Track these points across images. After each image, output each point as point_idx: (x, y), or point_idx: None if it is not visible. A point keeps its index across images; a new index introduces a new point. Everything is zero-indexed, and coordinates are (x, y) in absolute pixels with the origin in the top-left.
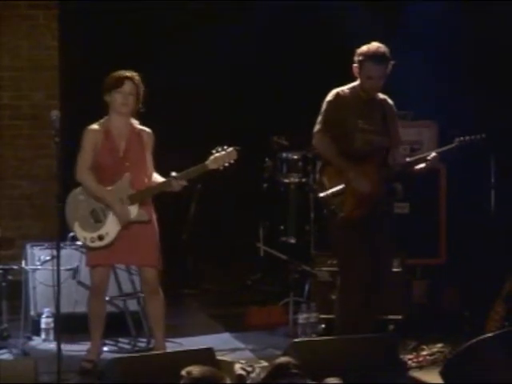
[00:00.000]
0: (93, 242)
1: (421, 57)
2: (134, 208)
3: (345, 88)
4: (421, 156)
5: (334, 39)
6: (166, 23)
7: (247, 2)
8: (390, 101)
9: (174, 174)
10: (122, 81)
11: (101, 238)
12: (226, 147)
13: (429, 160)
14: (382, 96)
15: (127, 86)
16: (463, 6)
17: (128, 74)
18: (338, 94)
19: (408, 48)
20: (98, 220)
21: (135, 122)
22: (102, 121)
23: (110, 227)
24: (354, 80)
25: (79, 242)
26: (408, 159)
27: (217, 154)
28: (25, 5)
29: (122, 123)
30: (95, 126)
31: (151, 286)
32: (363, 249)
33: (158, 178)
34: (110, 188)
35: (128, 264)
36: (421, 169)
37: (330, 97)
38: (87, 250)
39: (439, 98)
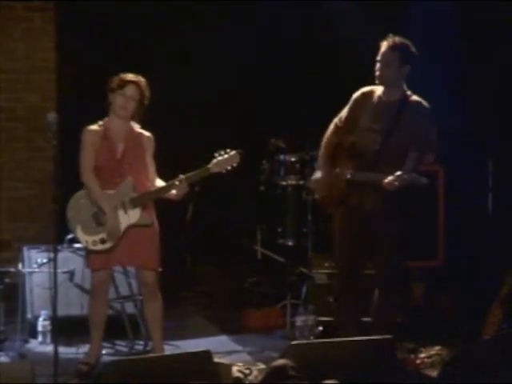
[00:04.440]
0: (95, 245)
1: (420, 58)
2: (136, 211)
3: (374, 87)
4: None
5: (333, 41)
6: (165, 24)
7: (247, 4)
8: (417, 104)
9: (182, 176)
10: (125, 83)
11: (103, 241)
12: (228, 150)
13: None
14: (412, 98)
15: (129, 90)
16: (463, 5)
17: (134, 77)
18: (361, 93)
19: None
20: (99, 223)
21: (135, 126)
22: (100, 122)
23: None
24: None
25: (77, 245)
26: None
27: (219, 158)
28: (21, 7)
29: (121, 125)
30: (93, 127)
31: (150, 289)
32: (348, 238)
33: (160, 183)
34: (112, 192)
35: (128, 265)
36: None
37: (355, 94)
38: (88, 252)
39: (437, 100)
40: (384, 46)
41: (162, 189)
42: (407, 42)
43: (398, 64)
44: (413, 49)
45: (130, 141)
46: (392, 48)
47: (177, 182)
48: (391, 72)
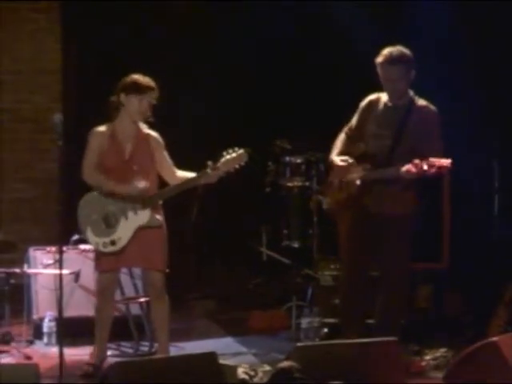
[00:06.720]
0: (105, 247)
1: (420, 58)
2: (146, 212)
3: (380, 94)
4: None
5: (335, 42)
6: (169, 25)
7: (249, 5)
8: (425, 109)
9: (208, 170)
10: (148, 89)
11: (113, 243)
12: (236, 149)
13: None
14: (420, 103)
15: (151, 96)
16: (464, 6)
17: (152, 82)
18: (368, 101)
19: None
20: (109, 225)
21: (143, 126)
22: (109, 123)
23: (122, 232)
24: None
25: (82, 246)
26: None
27: (228, 157)
28: (26, 8)
29: (129, 126)
30: (101, 128)
31: (157, 290)
32: (354, 240)
33: (184, 174)
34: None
35: (136, 266)
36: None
37: (362, 102)
38: (97, 254)
39: (440, 101)
40: (384, 62)
41: (177, 186)
42: (401, 48)
43: (405, 74)
44: (409, 52)
45: (137, 142)
46: (394, 63)
47: (208, 172)
48: (403, 84)
